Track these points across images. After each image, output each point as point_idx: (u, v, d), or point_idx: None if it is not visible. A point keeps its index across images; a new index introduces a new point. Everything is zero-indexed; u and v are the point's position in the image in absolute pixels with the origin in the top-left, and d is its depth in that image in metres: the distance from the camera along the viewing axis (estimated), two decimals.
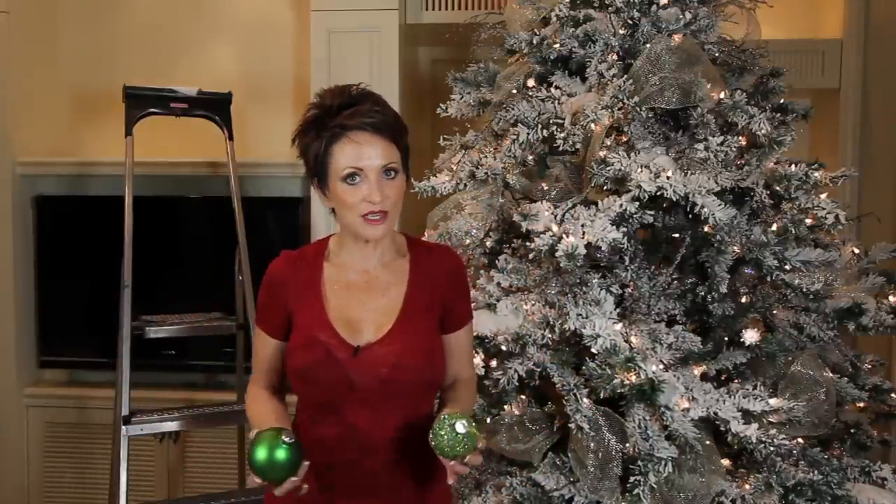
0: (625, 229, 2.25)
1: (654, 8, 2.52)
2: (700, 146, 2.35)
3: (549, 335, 2.32)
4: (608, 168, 2.30)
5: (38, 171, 4.06)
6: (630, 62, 2.47)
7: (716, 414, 2.16)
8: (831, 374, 2.46)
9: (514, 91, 2.70)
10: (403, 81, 3.78)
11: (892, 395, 2.76)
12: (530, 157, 2.51)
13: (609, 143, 2.39)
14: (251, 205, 3.63)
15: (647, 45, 2.43)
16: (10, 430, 4.01)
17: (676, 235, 2.42)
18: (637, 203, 2.24)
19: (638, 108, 2.35)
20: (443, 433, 1.62)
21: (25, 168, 4.00)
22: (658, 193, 2.22)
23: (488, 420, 2.42)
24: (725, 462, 2.31)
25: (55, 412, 4.03)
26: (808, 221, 2.48)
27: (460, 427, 1.62)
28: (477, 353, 2.34)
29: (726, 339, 2.45)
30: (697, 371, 2.31)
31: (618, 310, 2.30)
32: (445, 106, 2.85)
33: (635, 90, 2.36)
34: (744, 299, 2.44)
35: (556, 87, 2.52)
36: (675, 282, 2.42)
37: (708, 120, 2.42)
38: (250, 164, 3.79)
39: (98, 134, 4.06)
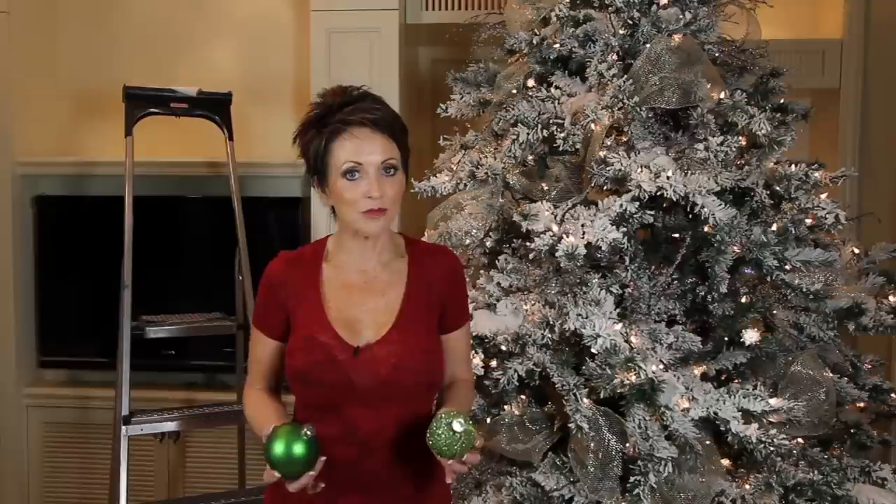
0: (625, 229, 2.25)
1: (654, 8, 2.52)
2: (700, 146, 2.35)
3: (549, 335, 2.32)
4: (608, 168, 2.30)
5: (38, 171, 4.06)
6: (630, 62, 2.47)
7: (716, 414, 2.16)
8: (831, 374, 2.46)
9: (514, 91, 2.70)
10: (403, 81, 3.78)
11: (892, 395, 2.76)
12: (530, 157, 2.51)
13: (609, 143, 2.39)
14: (251, 205, 3.63)
15: (647, 45, 2.43)
16: (10, 430, 4.01)
17: (676, 235, 2.42)
18: (637, 203, 2.24)
19: (638, 108, 2.35)
20: (440, 432, 1.62)
21: (25, 168, 4.00)
22: (658, 193, 2.22)
23: (488, 420, 2.42)
24: (725, 462, 2.31)
25: (55, 412, 4.02)
26: (808, 221, 2.48)
27: (457, 426, 1.62)
28: (477, 353, 2.34)
29: (726, 339, 2.44)
30: (697, 371, 2.31)
31: (618, 310, 2.29)
32: (445, 106, 2.85)
33: (635, 90, 2.36)
34: (744, 299, 2.44)
35: (556, 87, 2.52)
36: (675, 282, 2.42)
37: (708, 120, 2.42)
38: (250, 164, 3.79)
39: (98, 134, 4.06)
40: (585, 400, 2.23)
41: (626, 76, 2.38)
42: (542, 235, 2.23)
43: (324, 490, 1.70)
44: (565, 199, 2.43)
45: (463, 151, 2.71)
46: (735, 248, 2.35)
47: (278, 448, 1.58)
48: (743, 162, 2.46)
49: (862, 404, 2.71)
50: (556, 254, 2.18)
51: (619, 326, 2.21)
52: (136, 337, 3.21)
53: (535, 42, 2.63)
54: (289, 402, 1.83)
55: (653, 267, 2.44)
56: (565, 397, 2.25)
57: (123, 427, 3.08)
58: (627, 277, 2.38)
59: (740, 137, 2.39)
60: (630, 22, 2.52)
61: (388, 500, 1.76)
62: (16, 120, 3.95)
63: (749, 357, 2.41)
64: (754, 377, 2.41)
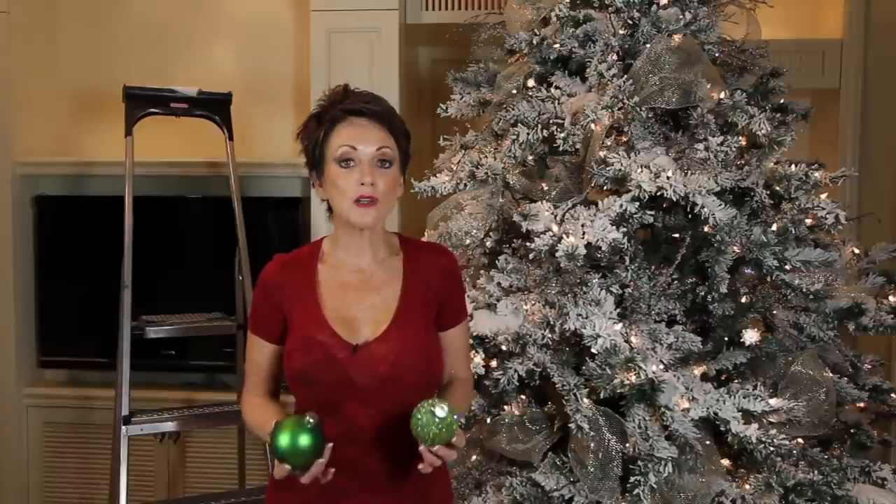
0: (625, 229, 2.25)
1: (654, 8, 2.52)
2: (700, 146, 2.35)
3: (549, 335, 2.32)
4: (608, 168, 2.30)
5: (38, 171, 4.05)
6: (630, 62, 2.47)
7: (716, 414, 2.16)
8: (831, 374, 2.46)
9: (514, 91, 2.70)
10: (403, 81, 3.78)
11: (892, 395, 2.76)
12: (530, 157, 2.51)
13: (609, 143, 2.39)
14: (251, 205, 3.63)
15: (647, 45, 2.43)
16: (10, 430, 4.01)
17: (676, 235, 2.42)
18: (637, 203, 2.24)
19: (638, 108, 2.35)
20: (419, 416, 1.62)
21: (25, 168, 4.00)
22: (658, 193, 2.22)
23: (488, 420, 2.42)
24: (725, 462, 2.31)
25: (55, 412, 4.02)
26: (808, 221, 2.48)
27: (440, 411, 1.61)
28: (477, 352, 2.34)
29: (726, 339, 2.45)
30: (697, 371, 2.31)
31: (618, 310, 2.30)
32: (445, 106, 2.85)
33: (635, 90, 2.36)
34: (744, 299, 2.44)
35: (556, 87, 2.52)
36: (676, 282, 2.42)
37: (708, 120, 2.42)
38: (250, 164, 3.79)
39: (98, 134, 4.06)
40: (585, 400, 2.23)
41: (626, 76, 2.38)
42: (542, 235, 2.23)
43: (327, 491, 1.70)
44: (565, 199, 2.43)
45: (463, 151, 2.71)
46: (735, 248, 2.35)
47: (284, 440, 1.58)
48: (743, 162, 2.46)
49: (862, 404, 2.71)
50: (556, 254, 2.18)
51: (619, 326, 2.21)
52: (136, 337, 3.21)
53: (535, 42, 2.63)
54: (288, 402, 1.83)
55: (653, 267, 2.44)
56: (565, 397, 2.25)
57: (123, 427, 3.08)
58: (627, 277, 2.38)
59: (740, 137, 2.39)
60: (630, 22, 2.52)
61: (391, 498, 1.76)
62: (16, 120, 3.95)
63: (749, 357, 2.41)
64: (754, 377, 2.41)
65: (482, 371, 2.34)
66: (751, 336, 2.35)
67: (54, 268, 4.03)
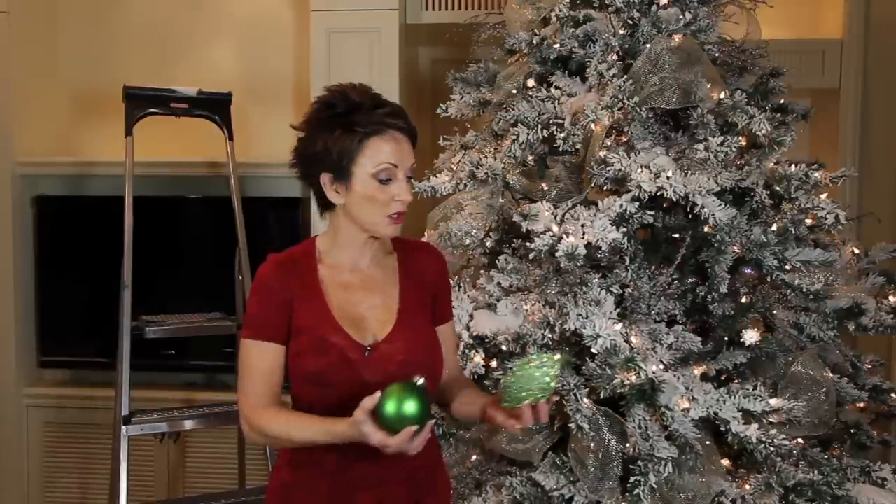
0: (625, 229, 2.25)
1: (654, 8, 2.52)
2: (700, 146, 2.35)
3: (549, 335, 2.32)
4: (608, 168, 2.30)
5: (38, 171, 4.05)
6: (630, 62, 2.47)
7: (716, 414, 2.16)
8: (831, 374, 2.46)
9: (514, 91, 2.70)
10: (403, 81, 3.78)
11: (892, 395, 2.76)
12: (530, 157, 2.51)
13: (609, 143, 2.39)
14: (251, 205, 3.63)
15: (647, 46, 2.43)
16: (10, 430, 4.01)
17: (676, 235, 2.42)
18: (637, 203, 2.24)
19: (638, 108, 2.35)
20: (530, 371, 1.58)
21: (25, 168, 4.00)
22: (658, 193, 2.22)
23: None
24: (725, 462, 2.31)
25: (55, 412, 4.02)
26: (808, 221, 2.48)
27: (549, 363, 1.58)
28: (477, 352, 2.35)
29: (726, 339, 2.45)
30: (697, 371, 2.31)
31: (618, 310, 2.30)
32: (445, 106, 2.85)
33: (635, 90, 2.36)
34: (744, 299, 2.44)
35: (556, 87, 2.52)
36: (676, 282, 2.42)
37: (708, 120, 2.42)
38: (250, 164, 3.79)
39: (98, 134, 4.06)
40: (586, 400, 2.23)
41: (626, 76, 2.38)
42: (542, 235, 2.23)
43: (340, 485, 1.73)
44: (565, 199, 2.43)
45: (463, 151, 2.71)
46: (735, 248, 2.35)
47: (412, 406, 1.53)
48: (743, 162, 2.46)
49: (862, 404, 2.71)
50: (556, 254, 2.18)
51: (619, 326, 2.21)
52: (136, 337, 3.21)
53: (535, 42, 2.63)
54: (285, 402, 1.82)
55: (653, 267, 2.44)
56: (565, 397, 2.25)
57: (123, 427, 3.08)
58: (627, 277, 2.38)
59: (740, 137, 2.39)
60: (630, 22, 2.52)
61: (403, 490, 1.78)
62: (16, 120, 3.95)
63: (749, 357, 2.41)
64: (754, 377, 2.41)
65: (482, 371, 2.35)
66: (751, 336, 2.35)
67: (54, 268, 4.03)
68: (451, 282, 2.46)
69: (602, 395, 2.19)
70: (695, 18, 2.52)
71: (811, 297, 2.40)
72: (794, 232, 2.44)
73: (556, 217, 2.29)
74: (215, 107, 3.45)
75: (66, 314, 4.04)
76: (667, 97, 2.37)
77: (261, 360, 1.75)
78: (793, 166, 2.43)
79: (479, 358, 2.34)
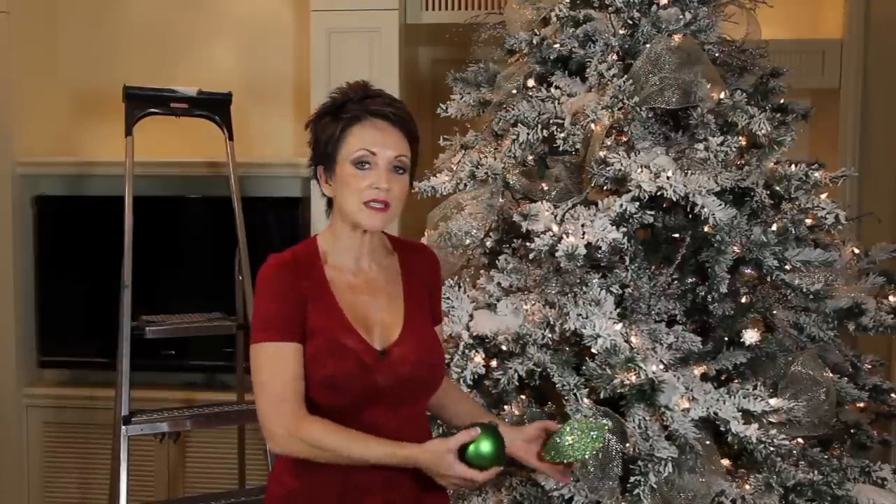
0: (625, 229, 2.25)
1: (654, 8, 2.52)
2: (700, 146, 2.35)
3: (549, 335, 2.32)
4: (608, 168, 2.30)
5: (38, 171, 4.05)
6: (630, 62, 2.47)
7: (716, 414, 2.16)
8: (831, 374, 2.46)
9: (514, 91, 2.70)
10: (403, 81, 3.78)
11: (892, 395, 2.76)
12: (530, 157, 2.51)
13: (609, 143, 2.39)
14: (251, 205, 3.62)
15: (647, 45, 2.43)
16: (10, 430, 4.01)
17: (676, 235, 2.42)
18: (637, 203, 2.24)
19: (638, 108, 2.35)
20: (581, 437, 1.77)
21: (25, 168, 4.00)
22: (658, 193, 2.22)
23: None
24: (725, 462, 2.31)
25: (55, 412, 4.02)
26: (808, 221, 2.48)
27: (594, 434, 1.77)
28: (477, 352, 2.34)
29: (726, 339, 2.45)
30: (697, 371, 2.31)
31: (618, 310, 2.30)
32: (445, 106, 2.85)
33: (635, 90, 2.36)
34: (744, 299, 2.44)
35: (556, 87, 2.52)
36: (676, 282, 2.42)
37: (708, 120, 2.42)
38: (250, 164, 3.79)
39: (98, 134, 4.06)
40: (585, 400, 2.23)
41: (626, 76, 2.38)
42: (542, 235, 2.23)
43: (350, 490, 1.72)
44: (565, 199, 2.43)
45: (463, 151, 2.71)
46: (735, 248, 2.35)
47: (488, 447, 1.67)
48: (743, 162, 2.46)
49: (862, 404, 2.71)
50: (556, 254, 2.18)
51: (619, 326, 2.21)
52: (136, 337, 3.20)
53: (535, 42, 2.63)
54: None
55: (653, 267, 2.44)
56: (565, 397, 2.25)
57: (123, 427, 3.08)
58: (627, 277, 2.38)
59: (740, 137, 2.39)
60: (630, 22, 2.52)
61: (412, 493, 1.77)
62: (16, 120, 3.95)
63: (749, 357, 2.41)
64: (754, 377, 2.41)
65: (482, 371, 2.34)
66: (751, 336, 2.35)
67: (54, 268, 4.03)
68: (451, 282, 2.47)
69: (602, 395, 2.19)
70: (695, 18, 2.52)
71: (811, 297, 2.40)
72: (794, 232, 2.44)
73: (556, 217, 2.29)
74: (215, 107, 3.45)
75: (66, 314, 4.04)
76: (667, 97, 2.37)
77: (289, 362, 1.68)
78: (793, 166, 2.43)
79: (479, 358, 2.34)
